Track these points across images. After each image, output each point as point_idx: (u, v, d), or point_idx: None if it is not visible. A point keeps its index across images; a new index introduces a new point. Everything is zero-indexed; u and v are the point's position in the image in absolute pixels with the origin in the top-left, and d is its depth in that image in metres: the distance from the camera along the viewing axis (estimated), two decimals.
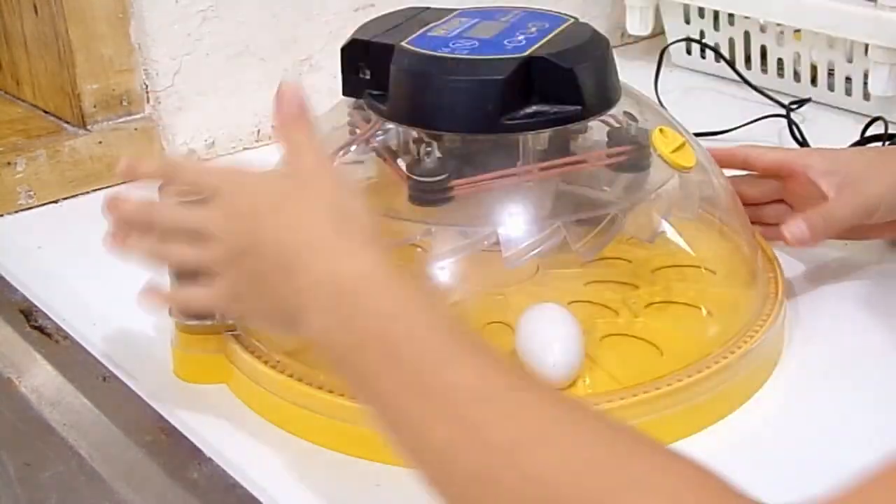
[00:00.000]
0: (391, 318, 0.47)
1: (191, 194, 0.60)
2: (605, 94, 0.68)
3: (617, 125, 0.70)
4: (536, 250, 0.66)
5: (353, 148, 0.72)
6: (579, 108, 0.66)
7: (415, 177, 0.66)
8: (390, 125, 0.69)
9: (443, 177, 0.65)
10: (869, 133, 0.99)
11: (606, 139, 0.70)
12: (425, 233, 0.69)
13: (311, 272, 0.50)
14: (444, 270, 0.74)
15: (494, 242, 0.66)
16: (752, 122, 1.04)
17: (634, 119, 0.70)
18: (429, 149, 0.65)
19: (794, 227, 0.71)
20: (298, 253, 0.50)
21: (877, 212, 0.73)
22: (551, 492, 0.40)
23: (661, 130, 0.70)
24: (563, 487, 0.40)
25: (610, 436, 0.43)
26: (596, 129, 0.70)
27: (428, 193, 0.66)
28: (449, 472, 0.43)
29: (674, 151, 0.69)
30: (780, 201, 0.79)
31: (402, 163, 0.68)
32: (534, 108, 0.65)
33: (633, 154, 0.70)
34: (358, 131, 0.72)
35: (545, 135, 0.68)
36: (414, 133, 0.68)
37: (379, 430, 0.47)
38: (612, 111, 0.69)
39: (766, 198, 0.79)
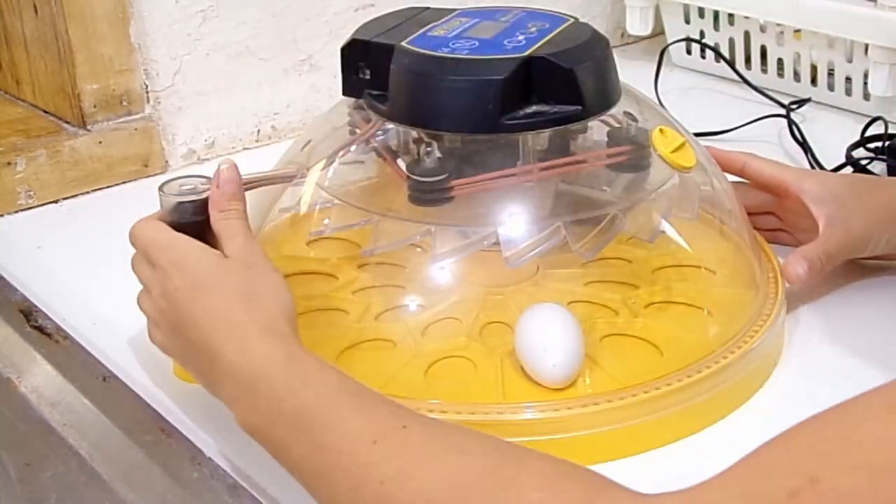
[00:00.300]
0: (290, 393, 0.52)
1: (190, 194, 0.64)
2: (605, 94, 0.68)
3: (617, 125, 0.70)
4: (536, 250, 0.66)
5: (352, 148, 0.72)
6: (579, 108, 0.66)
7: (414, 177, 0.66)
8: (390, 125, 0.69)
9: (443, 177, 0.65)
10: (869, 133, 0.99)
11: (606, 139, 0.70)
12: (425, 233, 0.69)
13: (223, 359, 0.55)
14: (444, 270, 0.74)
15: (494, 242, 0.66)
16: (752, 122, 1.05)
17: (634, 119, 0.70)
18: (429, 149, 0.65)
19: (798, 267, 0.71)
20: (212, 337, 0.56)
21: (866, 247, 0.74)
22: None
23: (661, 130, 0.70)
24: (450, 501, 0.45)
25: (490, 450, 0.48)
26: (596, 129, 0.70)
27: (428, 193, 0.66)
28: None
29: (673, 151, 0.69)
30: (771, 213, 0.80)
31: (401, 163, 0.68)
32: (534, 108, 0.65)
33: (632, 154, 0.70)
34: (358, 131, 0.72)
35: (545, 135, 0.68)
36: (414, 133, 0.68)
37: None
38: (612, 111, 0.69)
39: (758, 209, 0.80)
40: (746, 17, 1.14)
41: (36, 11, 0.95)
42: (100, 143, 0.95)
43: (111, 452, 0.64)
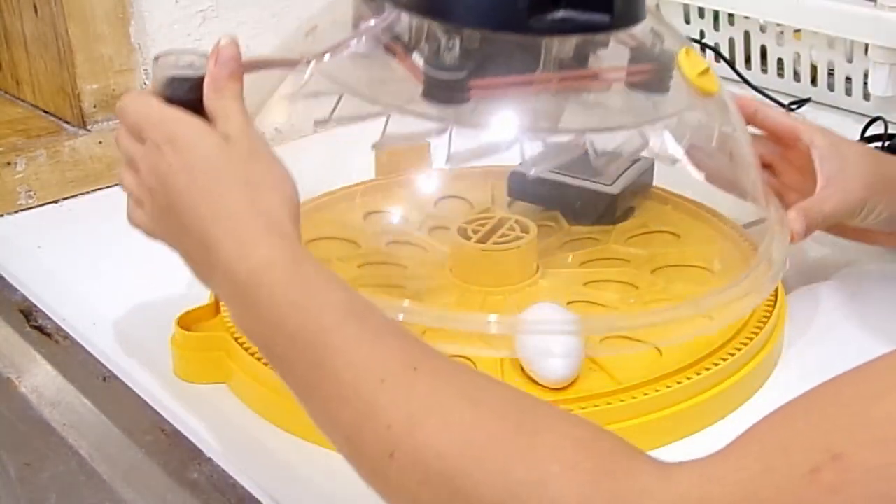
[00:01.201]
0: (292, 307, 0.48)
1: (186, 68, 0.58)
2: (634, 7, 0.65)
3: (641, 43, 0.67)
4: (557, 160, 0.63)
5: (363, 39, 0.66)
6: (608, 16, 0.62)
7: (432, 72, 0.61)
8: (405, 16, 0.64)
9: (462, 73, 0.61)
10: (869, 133, 0.99)
11: (630, 57, 0.68)
12: (439, 131, 0.65)
13: (220, 254, 0.51)
14: (443, 269, 0.74)
15: (510, 148, 0.63)
16: None
17: (660, 38, 0.68)
18: (450, 43, 0.61)
19: (796, 223, 0.71)
20: (210, 227, 0.51)
21: (859, 214, 0.73)
22: (449, 464, 0.42)
23: (686, 52, 0.67)
24: (461, 460, 0.41)
25: (507, 407, 0.44)
26: (619, 51, 0.67)
27: (445, 90, 0.61)
28: (357, 451, 0.45)
29: (699, 75, 0.67)
30: (768, 167, 0.79)
31: (416, 58, 0.64)
32: (562, 14, 0.61)
33: (655, 73, 0.67)
34: (363, 24, 0.66)
35: (569, 44, 0.64)
36: (431, 26, 0.63)
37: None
38: (638, 28, 0.66)
39: (760, 160, 0.79)
40: (746, 17, 1.14)
41: (36, 11, 0.95)
42: (100, 143, 0.95)
43: (111, 452, 0.64)
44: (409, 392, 0.44)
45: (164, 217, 0.55)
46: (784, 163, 0.78)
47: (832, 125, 1.06)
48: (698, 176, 0.71)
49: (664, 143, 0.70)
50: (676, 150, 0.69)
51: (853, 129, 1.00)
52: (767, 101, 0.99)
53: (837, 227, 0.76)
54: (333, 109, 0.67)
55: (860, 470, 0.35)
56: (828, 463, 0.36)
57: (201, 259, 0.53)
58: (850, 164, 0.74)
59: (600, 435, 0.43)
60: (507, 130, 0.63)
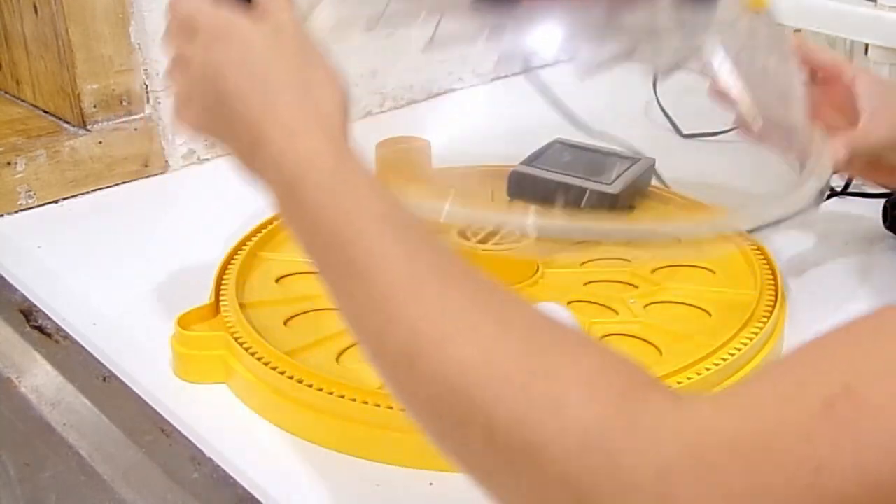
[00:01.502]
0: (331, 201, 0.48)
1: None
2: None
3: None
4: (607, 62, 0.62)
5: None
6: None
7: None
8: None
9: None
10: None
11: None
12: (489, 34, 0.64)
13: (268, 146, 0.51)
14: None
15: (561, 51, 0.62)
16: None
17: None
18: None
19: (839, 152, 0.72)
20: (260, 118, 0.51)
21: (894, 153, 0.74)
22: (470, 378, 0.42)
23: None
24: (482, 375, 0.42)
25: (533, 329, 0.44)
26: None
27: None
28: (381, 354, 0.46)
29: None
30: None
31: None
32: None
33: None
34: None
35: None
36: None
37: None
38: None
39: None
40: None
41: (36, 11, 0.95)
42: (100, 143, 0.95)
43: (111, 452, 0.64)
44: (439, 304, 0.45)
45: (214, 112, 0.54)
46: (823, 101, 0.78)
47: None
48: (743, 94, 0.70)
49: (712, 55, 0.69)
50: (724, 64, 0.69)
51: None
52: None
53: (873, 167, 0.77)
54: (384, 9, 0.66)
55: (872, 404, 0.35)
56: (841, 395, 0.36)
57: (250, 153, 0.52)
58: (893, 99, 0.75)
59: (621, 361, 0.43)
60: (555, 36, 0.63)
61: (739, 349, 0.65)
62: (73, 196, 0.94)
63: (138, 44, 0.95)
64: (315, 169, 0.49)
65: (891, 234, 0.83)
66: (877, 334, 0.38)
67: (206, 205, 0.94)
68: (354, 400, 0.61)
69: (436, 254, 0.47)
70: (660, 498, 0.37)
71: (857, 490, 0.35)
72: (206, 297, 0.71)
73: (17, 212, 0.92)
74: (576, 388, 0.40)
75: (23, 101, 1.03)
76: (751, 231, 0.77)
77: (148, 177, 0.98)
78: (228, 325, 0.68)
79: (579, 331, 0.44)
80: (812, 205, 0.68)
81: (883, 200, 0.85)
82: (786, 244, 0.81)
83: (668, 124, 1.05)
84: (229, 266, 0.75)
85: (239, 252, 0.77)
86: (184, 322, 0.68)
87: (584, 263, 0.77)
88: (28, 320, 0.76)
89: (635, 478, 0.37)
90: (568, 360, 0.42)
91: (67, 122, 0.97)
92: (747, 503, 0.36)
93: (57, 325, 0.75)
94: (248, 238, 0.78)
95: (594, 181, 0.81)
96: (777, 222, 0.65)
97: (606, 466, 0.38)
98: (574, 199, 0.82)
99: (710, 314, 0.70)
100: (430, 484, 0.59)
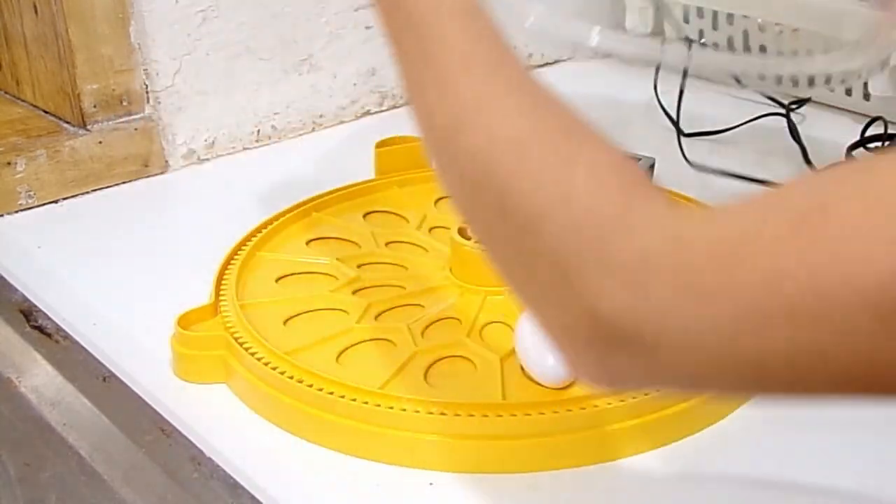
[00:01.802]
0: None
1: None
2: None
3: None
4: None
5: None
6: None
7: None
8: None
9: None
10: (869, 133, 0.99)
11: None
12: None
13: None
14: (443, 271, 0.74)
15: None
16: (751, 120, 1.04)
17: None
18: None
19: None
20: None
21: None
22: (496, 150, 0.47)
23: None
24: (508, 150, 0.47)
25: (563, 120, 0.49)
26: None
27: None
28: (431, 129, 0.51)
29: None
30: None
31: None
32: None
33: None
34: None
35: None
36: None
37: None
38: None
39: None
40: (745, 17, 1.14)
41: (36, 11, 0.95)
42: (100, 143, 0.95)
43: (111, 452, 0.64)
44: (486, 84, 0.49)
45: None
46: None
47: (832, 125, 1.06)
48: None
49: None
50: None
51: (853, 129, 1.00)
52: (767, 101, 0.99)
53: None
54: None
55: (844, 223, 0.36)
56: (816, 212, 0.37)
57: None
58: None
59: (628, 164, 0.46)
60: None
61: None
62: (73, 196, 0.94)
63: (138, 44, 0.96)
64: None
65: None
66: (864, 169, 0.39)
67: (206, 205, 0.94)
68: (354, 400, 0.61)
69: (495, 45, 0.52)
70: (636, 283, 0.40)
71: (815, 303, 0.37)
72: (206, 297, 0.71)
73: (17, 212, 0.92)
74: (587, 174, 0.45)
75: (23, 101, 1.03)
76: None
77: (148, 177, 0.98)
78: (228, 325, 0.68)
79: (606, 135, 0.49)
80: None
81: None
82: None
83: (669, 124, 1.05)
84: (229, 266, 0.75)
85: (239, 252, 0.77)
86: (184, 322, 0.68)
87: None
88: (28, 320, 0.76)
89: (618, 259, 0.41)
90: (587, 151, 0.46)
91: (67, 122, 0.97)
92: (714, 302, 0.39)
93: (57, 325, 0.75)
94: (248, 238, 0.79)
95: None
96: None
97: (596, 244, 0.42)
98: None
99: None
100: (430, 484, 0.59)
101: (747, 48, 1.16)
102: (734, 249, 0.39)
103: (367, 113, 1.12)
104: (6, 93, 1.06)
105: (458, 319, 0.69)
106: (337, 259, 0.77)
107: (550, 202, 0.44)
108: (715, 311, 0.39)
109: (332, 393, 0.61)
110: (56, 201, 0.94)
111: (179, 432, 0.64)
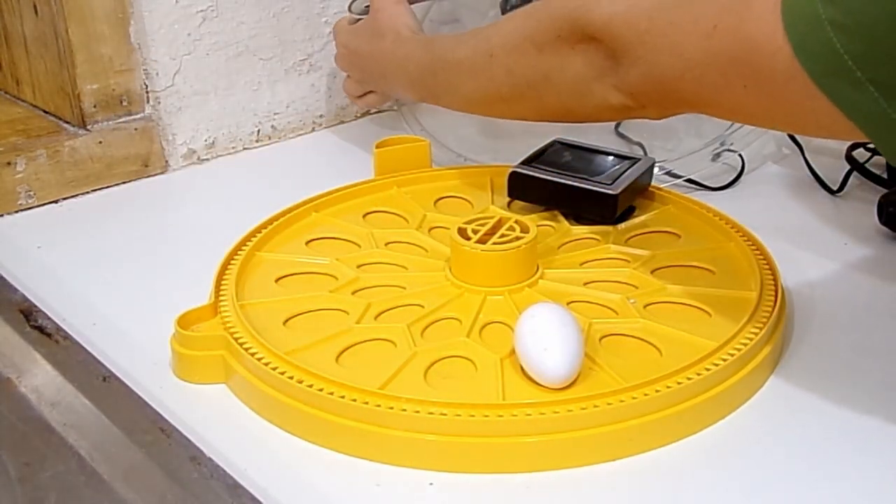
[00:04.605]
0: (426, 53, 0.86)
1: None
2: None
3: None
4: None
5: None
6: None
7: None
8: None
9: None
10: None
11: None
12: None
13: (387, 42, 0.92)
14: (443, 272, 0.74)
15: None
16: None
17: None
18: None
19: None
20: (382, 44, 0.93)
21: None
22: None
23: None
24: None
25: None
26: None
27: None
28: (469, 64, 0.81)
29: None
30: None
31: None
32: None
33: None
34: None
35: None
36: None
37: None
38: None
39: None
40: None
41: (36, 11, 0.95)
42: (100, 143, 0.95)
43: (111, 452, 0.64)
44: (494, 62, 0.78)
45: (362, 73, 0.99)
46: None
47: None
48: None
49: None
50: None
51: None
52: None
53: None
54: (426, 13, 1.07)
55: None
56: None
57: (381, 78, 0.95)
58: None
59: None
60: None
61: (739, 349, 0.65)
62: (73, 196, 0.94)
63: (138, 44, 0.96)
64: (414, 54, 0.88)
65: (887, 229, 0.84)
66: None
67: (205, 205, 0.94)
68: (355, 400, 0.61)
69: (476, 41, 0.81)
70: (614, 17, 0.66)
71: (743, 55, 0.55)
72: (206, 297, 0.71)
73: (17, 212, 0.92)
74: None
75: (23, 101, 1.03)
76: None
77: (148, 177, 0.98)
78: (228, 325, 0.68)
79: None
80: None
81: (878, 196, 0.85)
82: (785, 243, 0.81)
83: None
84: (229, 266, 0.75)
85: (238, 252, 0.77)
86: (183, 322, 0.68)
87: (584, 263, 0.77)
88: (28, 320, 0.76)
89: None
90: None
91: (67, 122, 0.97)
92: (661, 40, 0.62)
93: (57, 325, 0.75)
94: (247, 238, 0.79)
95: (594, 181, 0.82)
96: None
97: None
98: (574, 199, 0.82)
99: (710, 314, 0.70)
100: (430, 484, 0.59)
101: None
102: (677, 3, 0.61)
103: (367, 113, 1.12)
104: (6, 93, 1.06)
105: (458, 319, 0.69)
106: (337, 259, 0.77)
107: None
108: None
109: (331, 393, 0.61)
110: (56, 201, 0.94)
111: (179, 432, 0.64)
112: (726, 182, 0.93)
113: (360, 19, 0.97)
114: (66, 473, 0.65)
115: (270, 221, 0.81)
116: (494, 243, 0.72)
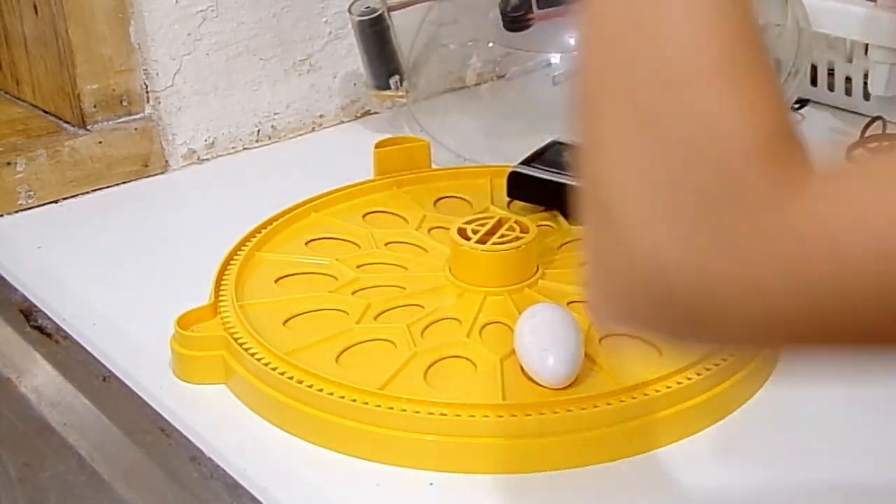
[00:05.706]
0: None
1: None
2: None
3: None
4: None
5: None
6: None
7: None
8: None
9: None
10: (869, 133, 0.99)
11: None
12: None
13: None
14: (443, 271, 0.74)
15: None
16: None
17: None
18: None
19: None
20: None
21: None
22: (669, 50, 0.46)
23: None
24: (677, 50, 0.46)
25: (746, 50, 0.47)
26: None
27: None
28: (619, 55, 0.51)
29: None
30: None
31: None
32: None
33: None
34: None
35: None
36: None
37: None
38: None
39: None
40: None
41: (36, 11, 0.95)
42: (100, 143, 0.95)
43: (111, 452, 0.64)
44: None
45: None
46: None
47: (832, 125, 1.06)
48: None
49: None
50: None
51: (853, 130, 1.00)
52: None
53: None
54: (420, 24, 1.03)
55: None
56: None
57: None
58: None
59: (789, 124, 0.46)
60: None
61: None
62: (73, 196, 0.94)
63: (138, 44, 0.96)
64: None
65: None
66: None
67: (205, 205, 0.94)
68: (354, 400, 0.61)
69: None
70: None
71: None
72: (206, 298, 0.71)
73: (17, 212, 0.92)
74: (736, 108, 0.43)
75: (23, 101, 1.03)
76: None
77: (148, 177, 0.98)
78: (228, 325, 0.68)
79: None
80: None
81: None
82: None
83: None
84: (229, 266, 0.75)
85: (238, 252, 0.77)
86: (183, 322, 0.68)
87: (583, 263, 0.77)
88: (28, 320, 0.76)
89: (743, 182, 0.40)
90: (752, 86, 0.45)
91: (67, 122, 0.97)
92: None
93: (57, 325, 0.75)
94: (247, 238, 0.79)
95: None
96: None
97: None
98: (573, 199, 0.82)
99: None
100: (430, 484, 0.59)
101: None
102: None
103: (367, 113, 1.12)
104: (6, 93, 1.06)
105: (457, 319, 0.69)
106: (336, 259, 0.77)
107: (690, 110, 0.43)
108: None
109: (331, 393, 0.61)
110: (56, 201, 0.94)
111: (179, 432, 0.64)
112: None
113: (361, 20, 0.95)
114: (66, 473, 0.66)
115: (270, 221, 0.81)
116: (494, 243, 0.72)
